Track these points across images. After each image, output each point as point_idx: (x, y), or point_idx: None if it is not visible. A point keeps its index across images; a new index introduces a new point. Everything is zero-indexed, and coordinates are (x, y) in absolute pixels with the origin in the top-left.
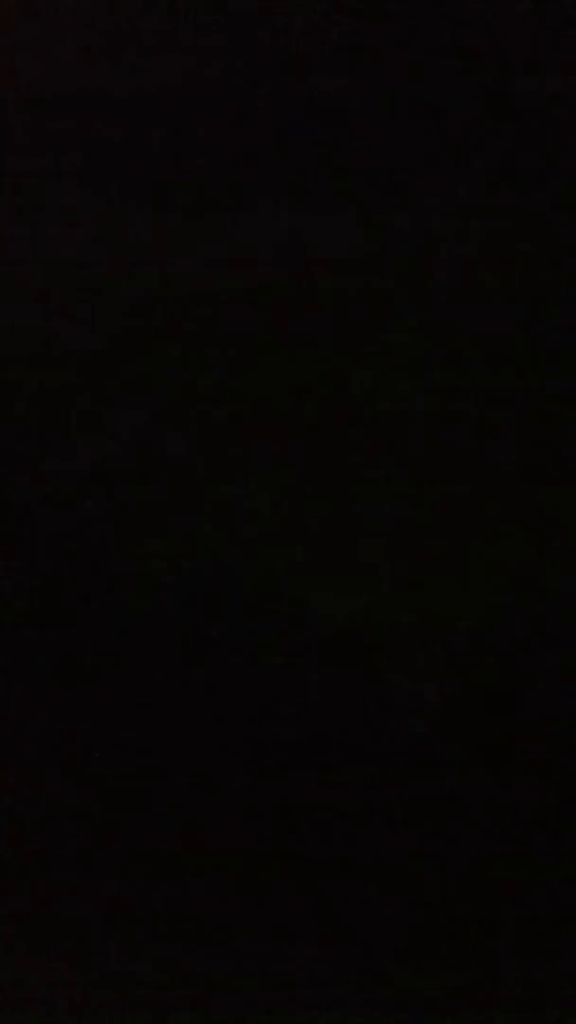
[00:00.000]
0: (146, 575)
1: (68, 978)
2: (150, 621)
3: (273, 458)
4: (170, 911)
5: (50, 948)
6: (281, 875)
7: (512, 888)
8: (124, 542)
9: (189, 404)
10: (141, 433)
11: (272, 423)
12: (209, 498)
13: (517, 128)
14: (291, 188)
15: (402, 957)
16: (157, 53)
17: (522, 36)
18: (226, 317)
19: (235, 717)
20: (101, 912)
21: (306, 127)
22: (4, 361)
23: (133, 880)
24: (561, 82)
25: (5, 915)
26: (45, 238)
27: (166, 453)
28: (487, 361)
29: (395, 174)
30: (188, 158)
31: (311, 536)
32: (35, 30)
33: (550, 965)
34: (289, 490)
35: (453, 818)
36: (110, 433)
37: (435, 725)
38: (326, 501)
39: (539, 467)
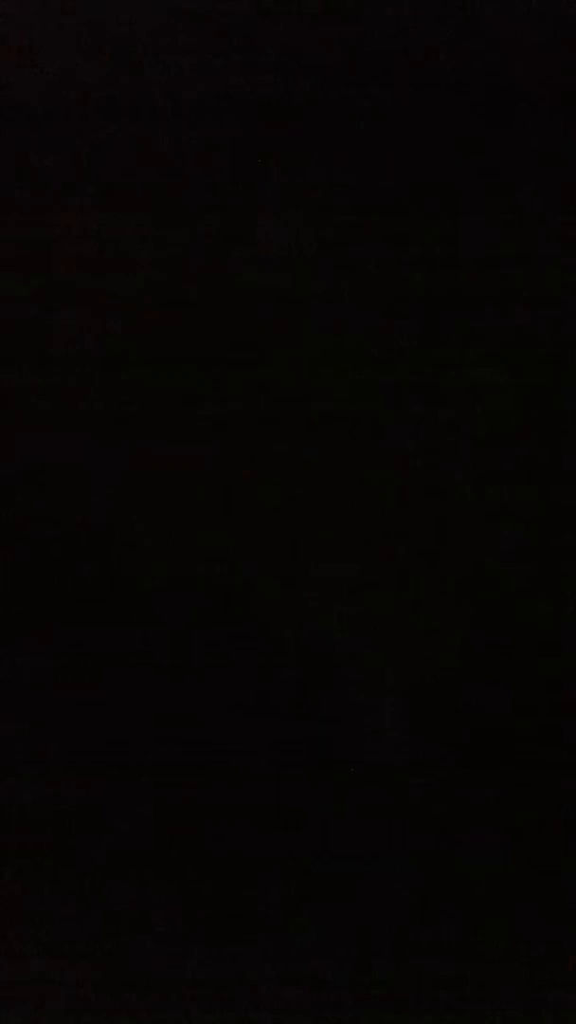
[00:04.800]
0: (137, 579)
1: (68, 978)
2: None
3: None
4: (170, 911)
5: (50, 948)
6: (282, 876)
7: (513, 891)
8: (113, 545)
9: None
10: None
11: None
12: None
13: None
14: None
15: (402, 960)
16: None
17: None
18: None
19: (227, 718)
20: (101, 912)
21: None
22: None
23: (133, 880)
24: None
25: (5, 915)
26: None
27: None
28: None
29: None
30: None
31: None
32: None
33: (551, 967)
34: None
35: (451, 821)
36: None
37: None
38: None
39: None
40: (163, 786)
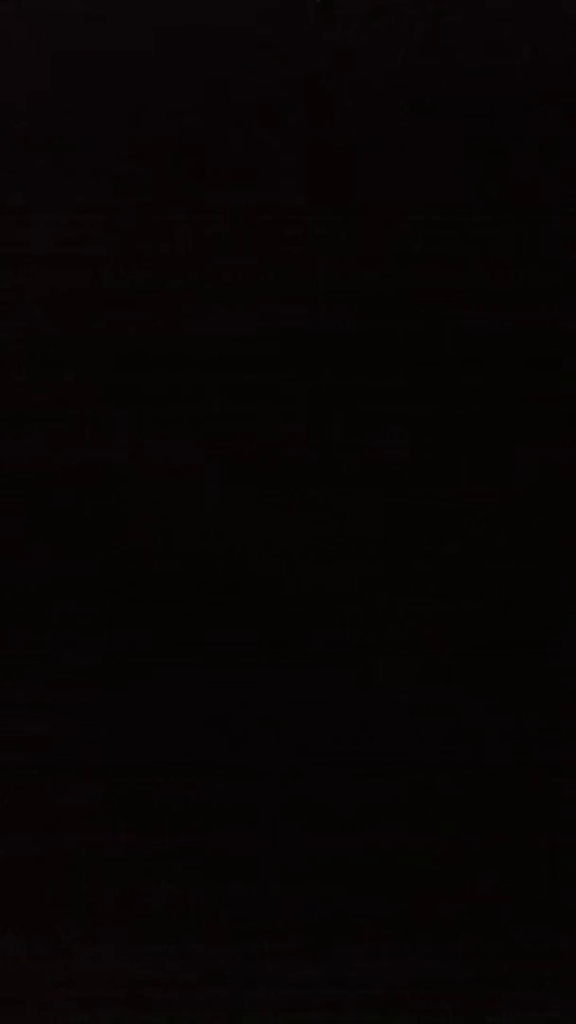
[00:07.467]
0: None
1: (68, 978)
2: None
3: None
4: (170, 911)
5: (50, 948)
6: (281, 875)
7: (515, 885)
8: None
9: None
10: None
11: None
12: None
13: None
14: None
15: (402, 957)
16: None
17: None
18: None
19: (231, 715)
20: (101, 912)
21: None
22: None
23: (135, 880)
24: None
25: (5, 915)
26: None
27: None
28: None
29: None
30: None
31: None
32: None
33: (551, 966)
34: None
35: (451, 816)
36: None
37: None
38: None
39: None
40: (163, 777)
